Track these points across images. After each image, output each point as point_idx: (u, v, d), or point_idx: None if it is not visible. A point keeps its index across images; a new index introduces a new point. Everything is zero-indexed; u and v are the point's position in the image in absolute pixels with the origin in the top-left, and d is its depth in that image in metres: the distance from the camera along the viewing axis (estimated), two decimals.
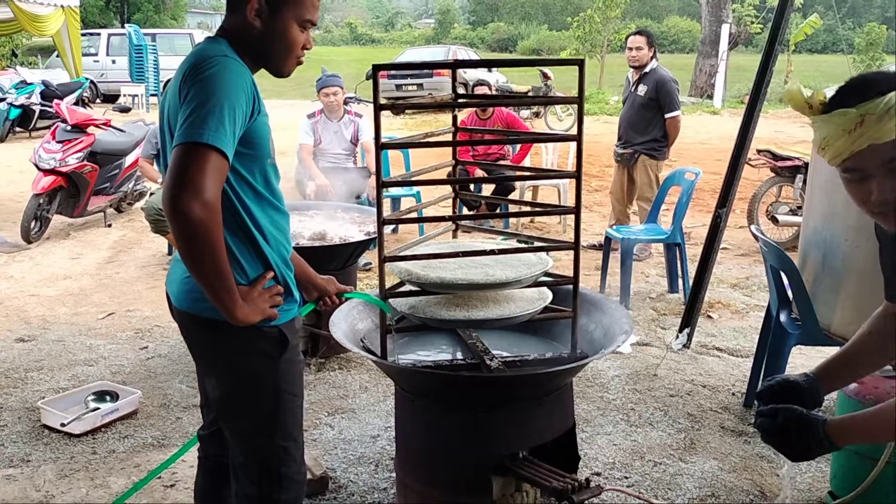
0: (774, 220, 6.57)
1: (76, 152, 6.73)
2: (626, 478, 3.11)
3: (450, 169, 2.98)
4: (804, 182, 5.99)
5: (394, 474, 3.02)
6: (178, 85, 1.80)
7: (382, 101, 2.34)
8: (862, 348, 1.84)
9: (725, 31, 19.48)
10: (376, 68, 2.34)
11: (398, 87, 18.60)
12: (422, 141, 2.73)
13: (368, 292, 2.77)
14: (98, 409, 3.55)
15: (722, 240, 4.47)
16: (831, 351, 4.17)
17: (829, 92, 1.55)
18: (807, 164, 5.81)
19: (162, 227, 5.65)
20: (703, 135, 13.76)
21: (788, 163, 6.62)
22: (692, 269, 4.74)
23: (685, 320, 4.51)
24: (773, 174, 6.82)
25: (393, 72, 18.24)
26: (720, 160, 5.97)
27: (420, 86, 18.43)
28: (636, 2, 48.93)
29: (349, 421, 3.59)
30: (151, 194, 6.21)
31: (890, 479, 2.58)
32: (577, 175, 2.49)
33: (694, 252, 5.37)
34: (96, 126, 7.20)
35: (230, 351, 1.94)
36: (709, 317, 4.96)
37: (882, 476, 2.59)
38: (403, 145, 2.90)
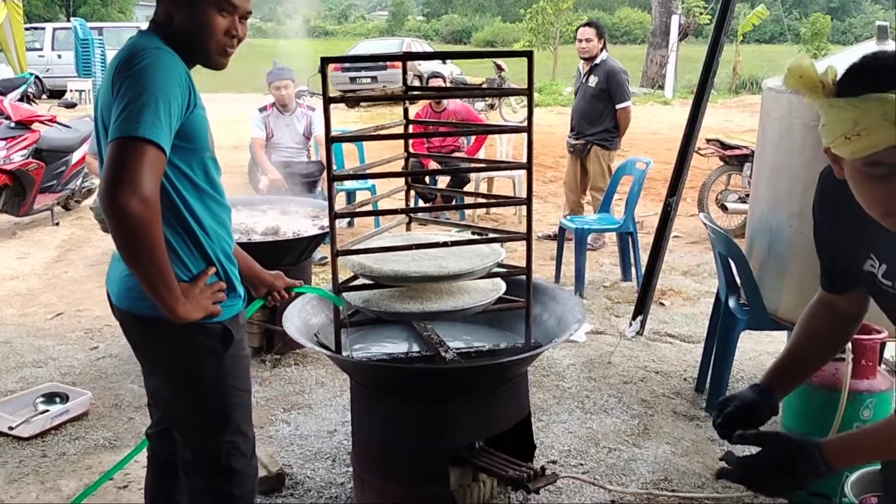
0: (724, 208, 6.69)
1: (21, 150, 6.56)
2: (582, 465, 3.15)
3: (403, 162, 2.98)
4: (752, 170, 6.12)
5: (351, 469, 3.02)
6: (110, 79, 1.76)
7: (334, 94, 2.33)
8: (806, 346, 1.76)
9: (675, 22, 19.75)
10: (325, 61, 2.32)
11: (352, 79, 18.48)
12: (372, 134, 2.72)
13: (322, 287, 2.77)
14: (47, 411, 3.48)
15: (673, 228, 4.55)
16: (778, 335, 4.26)
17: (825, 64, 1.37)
18: (754, 153, 5.93)
19: None
20: (655, 125, 13.94)
21: (737, 151, 6.75)
22: (645, 258, 4.81)
23: (638, 308, 4.57)
24: (721, 163, 6.96)
25: (347, 64, 18.15)
26: (671, 150, 6.07)
27: (374, 78, 18.33)
28: None
29: (305, 417, 3.58)
30: None
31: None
32: (527, 166, 2.51)
33: (646, 241, 5.44)
34: (41, 122, 7.02)
35: (173, 348, 1.92)
36: (661, 304, 5.04)
37: None
38: (354, 138, 2.90)
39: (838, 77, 1.31)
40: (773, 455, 1.48)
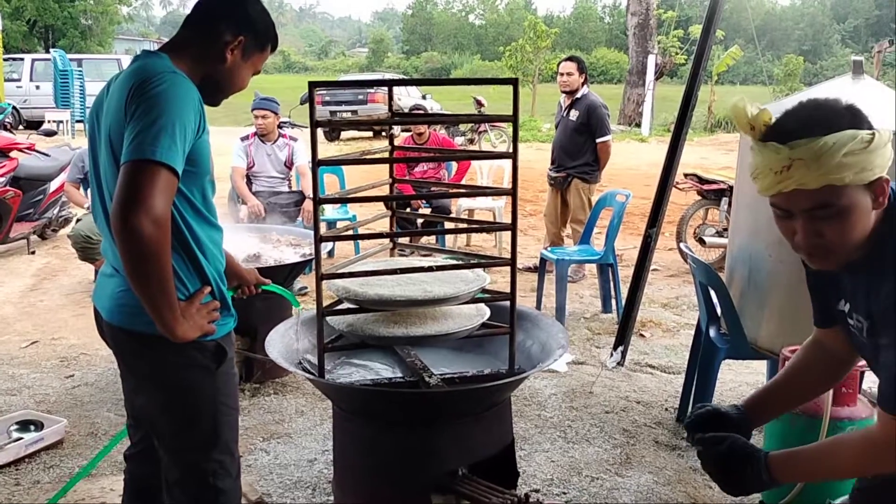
0: (702, 242, 6.76)
1: None
2: (565, 493, 3.13)
3: (387, 188, 2.99)
4: (729, 205, 6.20)
5: (332, 497, 2.98)
6: (122, 101, 1.77)
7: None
8: (791, 380, 1.82)
9: (652, 61, 20.12)
10: (312, 85, 2.34)
11: (332, 113, 18.57)
12: (357, 158, 2.74)
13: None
14: (21, 438, 3.41)
15: (652, 261, 4.58)
16: (758, 366, 4.29)
17: (777, 109, 1.49)
18: (731, 188, 6.02)
19: (90, 255, 5.47)
20: (633, 161, 14.11)
21: (714, 186, 6.84)
22: (625, 290, 4.84)
23: (619, 339, 4.59)
24: (699, 197, 7.04)
25: (328, 98, 18.26)
26: (649, 185, 6.13)
27: (354, 112, 18.44)
28: (566, 33, 50.26)
29: (285, 446, 3.53)
30: (78, 220, 5.99)
31: (818, 487, 2.67)
32: (512, 192, 2.53)
33: (626, 273, 5.48)
34: (19, 150, 6.96)
35: (167, 364, 1.90)
36: (641, 335, 5.06)
37: (810, 483, 2.67)
38: (339, 162, 2.90)
39: (772, 120, 1.44)
40: (726, 453, 1.59)
